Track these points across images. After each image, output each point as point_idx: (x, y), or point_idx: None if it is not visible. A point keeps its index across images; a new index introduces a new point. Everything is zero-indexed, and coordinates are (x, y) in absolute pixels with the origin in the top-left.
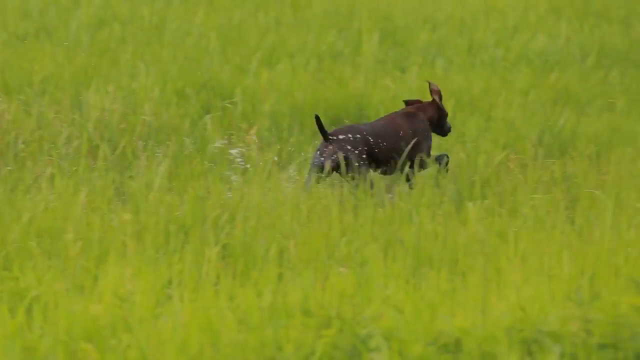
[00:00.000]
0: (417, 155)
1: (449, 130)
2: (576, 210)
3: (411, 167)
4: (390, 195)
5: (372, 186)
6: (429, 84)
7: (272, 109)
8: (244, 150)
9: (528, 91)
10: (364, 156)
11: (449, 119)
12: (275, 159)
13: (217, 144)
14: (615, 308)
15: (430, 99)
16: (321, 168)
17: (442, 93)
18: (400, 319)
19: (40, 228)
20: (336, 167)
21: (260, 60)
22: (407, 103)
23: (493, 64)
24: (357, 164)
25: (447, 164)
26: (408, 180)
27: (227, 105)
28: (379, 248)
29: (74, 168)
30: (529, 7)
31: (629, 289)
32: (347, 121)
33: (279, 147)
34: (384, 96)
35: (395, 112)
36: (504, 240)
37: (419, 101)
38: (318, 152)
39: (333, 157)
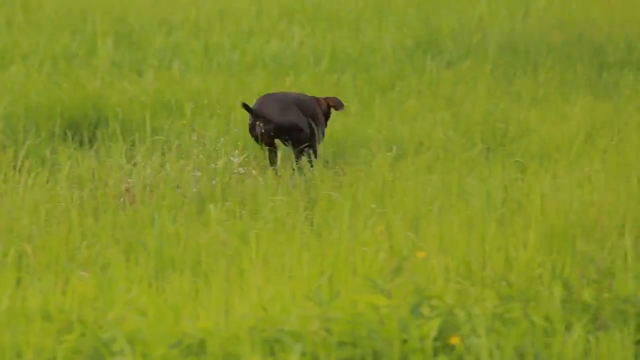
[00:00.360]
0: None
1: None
2: (315, 212)
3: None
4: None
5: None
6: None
7: (6, 111)
8: None
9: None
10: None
11: None
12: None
13: None
14: (354, 307)
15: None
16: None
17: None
18: (144, 322)
19: None
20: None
21: None
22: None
23: (230, 67)
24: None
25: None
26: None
27: None
28: (120, 251)
29: None
30: (262, 12)
31: (366, 287)
32: (84, 125)
33: (14, 149)
34: (121, 98)
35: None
36: (245, 241)
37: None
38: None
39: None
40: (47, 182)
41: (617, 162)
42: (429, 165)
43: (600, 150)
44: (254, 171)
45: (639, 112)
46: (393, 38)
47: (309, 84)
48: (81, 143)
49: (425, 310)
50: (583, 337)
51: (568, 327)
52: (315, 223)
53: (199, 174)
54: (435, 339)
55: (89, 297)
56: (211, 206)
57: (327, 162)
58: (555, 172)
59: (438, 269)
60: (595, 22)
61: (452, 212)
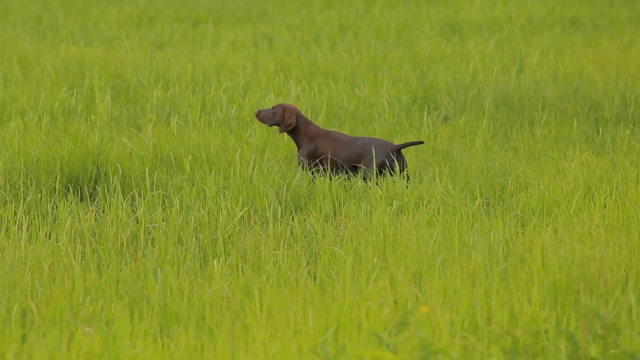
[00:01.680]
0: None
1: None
2: (317, 266)
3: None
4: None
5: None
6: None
7: (6, 166)
8: None
9: (264, 149)
10: None
11: None
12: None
13: None
14: None
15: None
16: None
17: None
18: None
19: None
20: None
21: None
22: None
23: (228, 122)
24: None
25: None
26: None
27: None
28: (124, 306)
29: None
30: (258, 68)
31: (372, 342)
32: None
33: (14, 204)
34: (120, 153)
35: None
36: (249, 296)
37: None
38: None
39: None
40: (49, 237)
41: (617, 216)
42: (429, 220)
43: (600, 205)
44: (256, 225)
45: (637, 167)
46: (389, 93)
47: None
48: (82, 198)
49: None
50: None
51: None
52: (318, 277)
53: (199, 228)
54: None
55: (95, 353)
56: (214, 261)
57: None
58: (556, 227)
59: (443, 324)
60: (590, 77)
61: (454, 267)
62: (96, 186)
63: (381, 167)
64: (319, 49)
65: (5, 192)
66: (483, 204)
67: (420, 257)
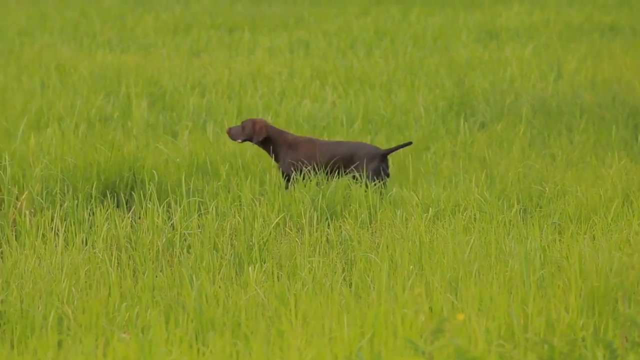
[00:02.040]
0: None
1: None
2: (353, 273)
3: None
4: None
5: None
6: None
7: (43, 173)
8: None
9: None
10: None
11: None
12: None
13: None
14: None
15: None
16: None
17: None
18: None
19: None
20: None
21: (27, 124)
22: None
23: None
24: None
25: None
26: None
27: None
28: (160, 313)
29: None
30: (294, 74)
31: (407, 349)
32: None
33: (52, 211)
34: (156, 160)
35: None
36: (284, 303)
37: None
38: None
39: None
40: (85, 244)
41: None
42: (466, 227)
43: (638, 212)
44: (292, 232)
45: None
46: (426, 99)
47: None
48: (118, 204)
49: None
50: None
51: None
52: (354, 284)
53: (234, 234)
54: None
55: (130, 359)
56: (249, 267)
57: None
58: (593, 234)
59: (479, 331)
60: (629, 83)
61: (491, 274)
62: (132, 193)
63: (375, 172)
64: (355, 56)
65: (42, 198)
66: (520, 211)
67: (456, 264)
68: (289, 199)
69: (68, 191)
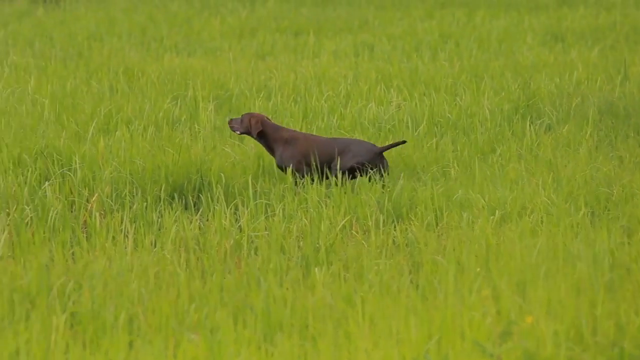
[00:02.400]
0: None
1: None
2: (420, 275)
3: None
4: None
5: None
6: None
7: (112, 176)
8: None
9: None
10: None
11: None
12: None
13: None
14: None
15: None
16: None
17: None
18: None
19: None
20: None
21: (96, 127)
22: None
23: (329, 131)
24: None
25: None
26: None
27: (66, 172)
28: (228, 314)
29: None
30: (359, 77)
31: (475, 352)
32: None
33: (121, 213)
34: (223, 163)
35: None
36: (351, 305)
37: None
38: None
39: None
40: (154, 245)
41: None
42: (533, 229)
43: None
44: (358, 234)
45: None
46: (491, 102)
47: (408, 148)
48: (186, 206)
49: None
50: None
51: None
52: (420, 286)
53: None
54: None
55: (200, 359)
56: (316, 269)
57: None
58: None
59: (547, 334)
60: None
61: (559, 277)
62: (200, 195)
63: (364, 168)
64: (420, 59)
65: (112, 200)
66: (587, 214)
67: (523, 267)
68: (355, 201)
69: (137, 193)
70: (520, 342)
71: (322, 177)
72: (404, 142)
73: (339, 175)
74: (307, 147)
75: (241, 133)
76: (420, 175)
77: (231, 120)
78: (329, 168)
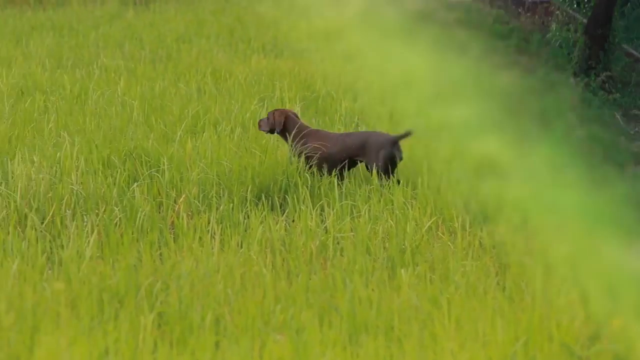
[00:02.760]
0: None
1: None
2: (506, 277)
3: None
4: None
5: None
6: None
7: (200, 177)
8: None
9: (451, 159)
10: None
11: None
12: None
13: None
14: None
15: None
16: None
17: None
18: None
19: None
20: None
21: (184, 128)
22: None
23: (416, 132)
24: None
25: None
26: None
27: (154, 173)
28: (314, 315)
29: (2, 238)
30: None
31: (563, 354)
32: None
33: (208, 214)
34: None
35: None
36: (437, 306)
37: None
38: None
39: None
40: (240, 246)
41: None
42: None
43: None
44: (444, 236)
45: None
46: None
47: (495, 149)
48: (272, 208)
49: None
50: None
51: None
52: (507, 288)
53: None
54: None
55: None
56: (402, 271)
57: None
58: None
59: (638, 338)
60: None
61: None
62: (286, 196)
63: (389, 160)
64: None
65: (199, 201)
66: None
67: (613, 270)
68: (441, 203)
69: (224, 194)
70: (610, 345)
71: (344, 171)
72: (410, 133)
73: (378, 169)
74: (321, 142)
75: (267, 131)
76: (507, 176)
77: (260, 121)
78: (366, 166)
